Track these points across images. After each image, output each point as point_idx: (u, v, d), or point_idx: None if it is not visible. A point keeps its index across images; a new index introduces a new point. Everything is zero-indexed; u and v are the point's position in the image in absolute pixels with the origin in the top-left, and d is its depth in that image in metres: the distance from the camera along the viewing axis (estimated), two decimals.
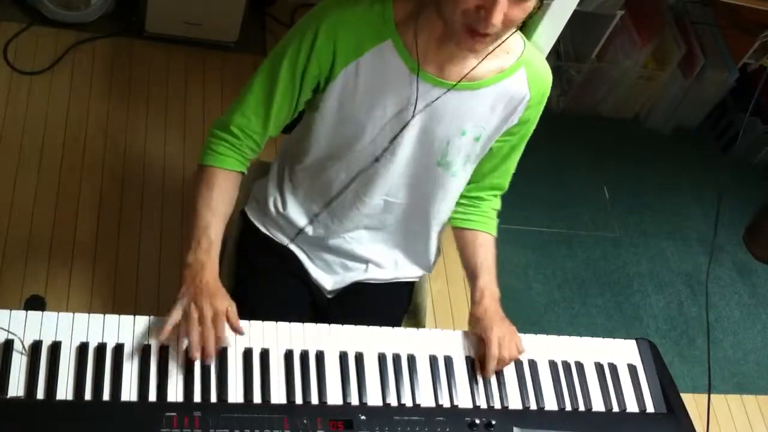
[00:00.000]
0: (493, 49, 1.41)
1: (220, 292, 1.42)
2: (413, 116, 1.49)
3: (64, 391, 1.28)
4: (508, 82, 1.48)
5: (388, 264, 1.77)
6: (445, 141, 1.52)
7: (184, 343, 1.36)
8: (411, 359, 1.48)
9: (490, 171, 1.65)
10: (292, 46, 1.44)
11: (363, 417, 1.36)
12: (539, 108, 1.56)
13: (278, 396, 1.37)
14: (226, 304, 1.41)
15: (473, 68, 1.44)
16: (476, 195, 1.69)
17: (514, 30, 1.41)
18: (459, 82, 1.45)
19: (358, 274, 1.76)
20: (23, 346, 1.30)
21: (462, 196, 1.69)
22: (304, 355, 1.42)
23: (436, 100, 1.46)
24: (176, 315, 1.38)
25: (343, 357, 1.44)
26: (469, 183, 1.67)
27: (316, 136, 1.56)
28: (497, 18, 1.26)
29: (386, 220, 1.69)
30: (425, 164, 1.57)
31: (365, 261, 1.75)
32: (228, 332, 1.41)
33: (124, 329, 1.36)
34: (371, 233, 1.72)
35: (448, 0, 1.30)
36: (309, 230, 1.70)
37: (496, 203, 1.72)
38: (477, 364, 1.51)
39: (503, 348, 1.50)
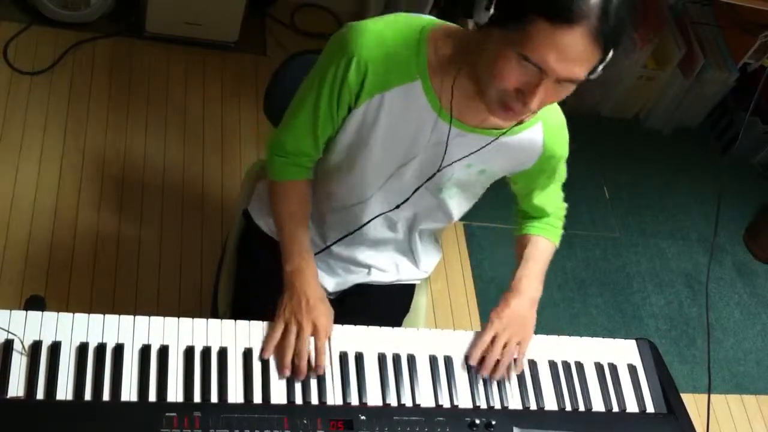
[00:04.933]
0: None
1: (321, 302, 1.48)
2: (440, 170, 1.50)
3: (64, 391, 1.28)
4: (524, 134, 1.47)
5: (390, 268, 1.77)
6: (450, 171, 1.52)
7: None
8: (411, 359, 1.48)
9: (533, 198, 1.66)
10: (329, 72, 1.42)
11: (363, 417, 1.37)
12: (554, 161, 1.55)
13: (278, 396, 1.37)
14: (326, 317, 1.46)
15: (510, 128, 1.44)
16: (539, 205, 1.68)
17: None
18: (478, 128, 1.44)
19: (360, 276, 1.76)
20: (23, 346, 1.30)
21: (524, 207, 1.70)
22: None
23: (471, 154, 1.46)
24: (278, 332, 1.43)
25: (343, 357, 1.44)
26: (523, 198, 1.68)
27: (326, 154, 1.58)
28: (536, 104, 1.24)
29: (384, 234, 1.70)
30: (429, 189, 1.57)
31: (367, 266, 1.75)
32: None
33: (124, 329, 1.36)
34: (371, 244, 1.72)
35: (487, 74, 1.27)
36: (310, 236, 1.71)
37: (561, 210, 1.71)
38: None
39: (496, 343, 1.49)
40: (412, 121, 1.44)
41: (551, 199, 1.68)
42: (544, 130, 1.48)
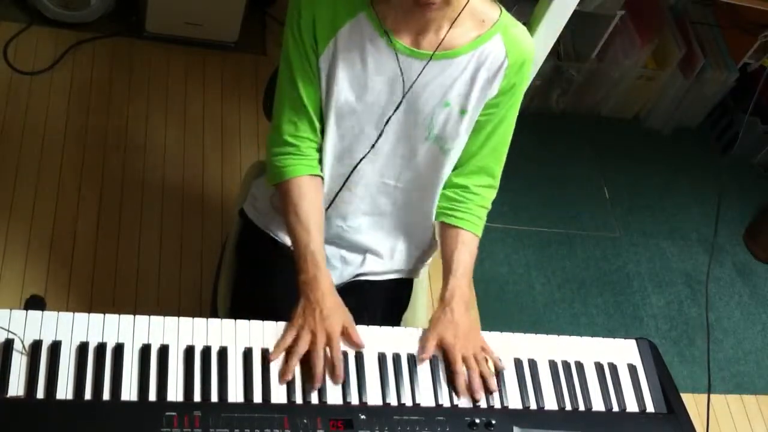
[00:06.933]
0: (461, 12, 1.42)
1: (336, 310, 1.46)
2: (404, 95, 1.50)
3: (64, 391, 1.28)
4: (484, 48, 1.50)
5: (385, 252, 1.76)
6: (430, 114, 1.53)
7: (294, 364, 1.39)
8: (411, 359, 1.48)
9: (477, 150, 1.61)
10: (289, 35, 1.50)
11: (363, 417, 1.36)
12: (521, 75, 1.54)
13: (278, 396, 1.37)
14: (340, 324, 1.44)
15: (446, 34, 1.46)
16: (463, 184, 1.64)
17: None
18: (435, 51, 1.47)
19: (355, 267, 1.75)
20: (23, 346, 1.30)
21: (449, 185, 1.65)
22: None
23: (421, 73, 1.48)
24: (289, 338, 1.41)
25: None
26: (455, 168, 1.64)
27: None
28: None
29: (382, 205, 1.69)
30: (415, 141, 1.57)
31: (363, 251, 1.74)
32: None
33: (124, 329, 1.36)
34: (371, 220, 1.71)
35: None
36: None
37: (486, 199, 1.66)
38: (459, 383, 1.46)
39: (470, 367, 1.47)
40: (370, 57, 1.48)
41: (497, 156, 1.64)
42: (504, 39, 1.50)
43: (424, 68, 1.48)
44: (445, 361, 1.49)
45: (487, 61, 1.50)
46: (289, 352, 1.40)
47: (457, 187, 1.65)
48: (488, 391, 1.47)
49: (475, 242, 1.65)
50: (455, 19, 1.45)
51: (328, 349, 1.42)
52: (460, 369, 1.46)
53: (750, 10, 2.90)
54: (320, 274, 1.50)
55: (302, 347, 1.40)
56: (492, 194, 1.67)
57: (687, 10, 3.35)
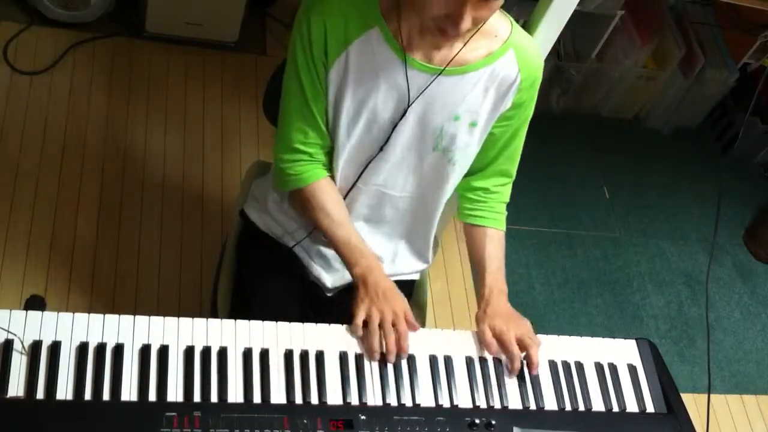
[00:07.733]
0: (475, 32, 1.42)
1: (393, 291, 1.53)
2: (409, 105, 1.50)
3: (64, 391, 1.28)
4: (497, 64, 1.50)
5: (386, 256, 1.76)
6: (439, 127, 1.53)
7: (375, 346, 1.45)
8: (411, 359, 1.48)
9: (494, 158, 1.65)
10: (297, 43, 1.49)
11: (363, 417, 1.36)
12: (533, 91, 1.56)
13: (278, 396, 1.37)
14: (402, 303, 1.50)
15: (458, 51, 1.46)
16: (483, 186, 1.68)
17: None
18: (446, 67, 1.47)
19: None
20: (23, 346, 1.30)
21: (469, 189, 1.69)
22: (304, 355, 1.42)
23: (428, 86, 1.48)
24: (360, 319, 1.47)
25: (343, 357, 1.44)
26: (474, 173, 1.67)
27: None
28: (465, 24, 1.31)
29: (386, 213, 1.69)
30: (422, 152, 1.58)
31: None
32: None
33: (124, 329, 1.36)
34: (371, 226, 1.72)
35: (419, 4, 1.34)
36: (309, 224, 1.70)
37: (505, 195, 1.71)
38: (516, 365, 1.51)
39: (530, 347, 1.51)
40: (381, 71, 1.48)
41: (513, 159, 1.67)
42: (517, 56, 1.51)
43: (431, 83, 1.48)
44: (500, 346, 1.52)
45: (499, 77, 1.51)
46: (367, 335, 1.45)
47: (477, 190, 1.69)
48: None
49: (501, 236, 1.70)
50: (470, 38, 1.44)
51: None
52: (516, 351, 1.51)
53: (750, 10, 2.91)
54: (372, 262, 1.55)
55: (375, 327, 1.45)
56: (509, 188, 1.72)
57: (687, 10, 3.35)
